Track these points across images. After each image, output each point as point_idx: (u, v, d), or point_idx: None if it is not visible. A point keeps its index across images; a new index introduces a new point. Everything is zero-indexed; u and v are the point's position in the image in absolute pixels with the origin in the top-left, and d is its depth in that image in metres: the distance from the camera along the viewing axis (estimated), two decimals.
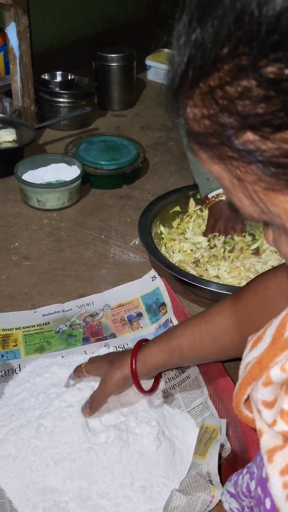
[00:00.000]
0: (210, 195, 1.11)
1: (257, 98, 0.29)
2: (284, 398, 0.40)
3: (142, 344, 0.72)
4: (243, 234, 1.07)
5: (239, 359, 0.80)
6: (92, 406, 0.71)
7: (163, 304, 0.93)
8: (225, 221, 1.09)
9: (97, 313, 0.95)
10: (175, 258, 1.05)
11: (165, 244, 1.09)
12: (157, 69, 1.88)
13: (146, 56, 1.89)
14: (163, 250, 1.06)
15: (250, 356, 0.43)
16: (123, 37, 1.80)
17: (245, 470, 0.50)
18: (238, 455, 0.66)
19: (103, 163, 1.32)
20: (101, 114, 1.68)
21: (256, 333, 0.45)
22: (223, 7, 0.29)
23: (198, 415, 0.76)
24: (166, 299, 0.92)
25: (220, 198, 1.10)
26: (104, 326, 0.93)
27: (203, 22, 0.30)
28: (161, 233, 1.10)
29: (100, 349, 0.87)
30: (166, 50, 1.94)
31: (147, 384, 0.73)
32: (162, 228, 1.11)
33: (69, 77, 1.62)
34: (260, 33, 0.28)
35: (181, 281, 0.97)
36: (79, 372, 0.76)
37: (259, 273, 0.99)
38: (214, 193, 1.10)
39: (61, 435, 0.70)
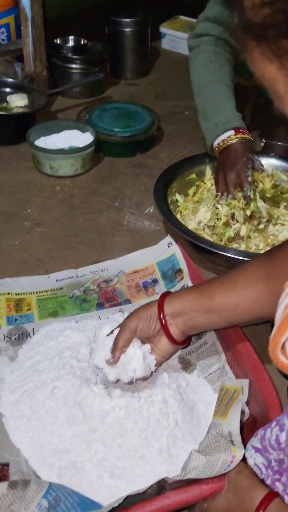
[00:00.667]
0: (216, 142, 1.03)
1: None
2: None
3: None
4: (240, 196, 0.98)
5: (260, 324, 0.78)
6: (115, 346, 0.68)
7: (179, 270, 0.91)
8: (237, 171, 0.99)
9: (111, 279, 0.94)
10: (190, 226, 1.03)
11: (180, 212, 1.07)
12: (172, 37, 1.83)
13: (160, 24, 1.84)
14: (178, 217, 1.04)
15: None
16: (137, 4, 1.74)
17: (273, 423, 0.49)
18: (257, 420, 0.65)
19: (117, 130, 1.29)
20: (114, 82, 1.64)
21: None
22: None
23: (215, 381, 0.74)
24: (183, 265, 0.90)
25: (228, 143, 1.00)
26: (119, 292, 0.92)
27: None
28: (177, 200, 1.08)
29: (115, 314, 0.86)
30: (181, 17, 1.89)
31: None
32: (178, 195, 1.08)
33: (82, 42, 1.58)
34: None
35: (197, 248, 0.95)
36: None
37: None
38: (221, 138, 1.02)
39: (78, 398, 0.69)
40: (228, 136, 1.02)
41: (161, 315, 0.68)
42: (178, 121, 1.45)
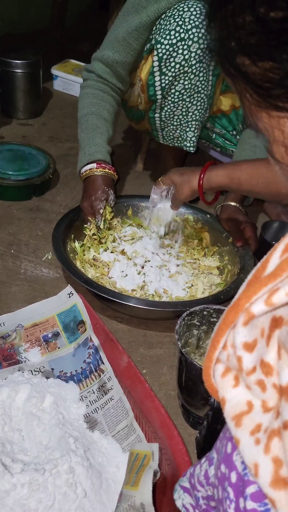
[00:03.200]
0: (82, 170, 1.11)
1: (251, 31, 0.37)
2: (265, 349, 0.38)
3: (211, 165, 0.94)
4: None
5: (164, 375, 0.76)
6: (174, 206, 1.04)
7: (82, 322, 0.88)
8: (91, 203, 1.07)
9: (9, 335, 0.88)
10: (89, 274, 1.01)
11: (80, 259, 1.04)
12: (64, 79, 1.84)
13: (51, 65, 1.84)
14: (78, 265, 1.01)
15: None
16: (27, 44, 1.73)
17: (203, 460, 0.47)
18: (168, 479, 0.63)
19: (10, 173, 1.24)
20: (6, 122, 1.60)
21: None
22: None
23: (123, 439, 0.72)
24: (85, 316, 0.88)
25: (91, 173, 1.09)
26: (17, 348, 0.86)
27: None
28: (75, 248, 1.05)
29: (13, 374, 0.80)
30: (72, 60, 1.91)
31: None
32: (76, 243, 1.06)
33: None
34: None
35: (99, 296, 0.93)
36: (157, 185, 1.03)
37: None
38: (86, 168, 1.10)
39: None
40: (91, 168, 1.10)
41: (202, 196, 0.98)
42: (74, 163, 1.43)
